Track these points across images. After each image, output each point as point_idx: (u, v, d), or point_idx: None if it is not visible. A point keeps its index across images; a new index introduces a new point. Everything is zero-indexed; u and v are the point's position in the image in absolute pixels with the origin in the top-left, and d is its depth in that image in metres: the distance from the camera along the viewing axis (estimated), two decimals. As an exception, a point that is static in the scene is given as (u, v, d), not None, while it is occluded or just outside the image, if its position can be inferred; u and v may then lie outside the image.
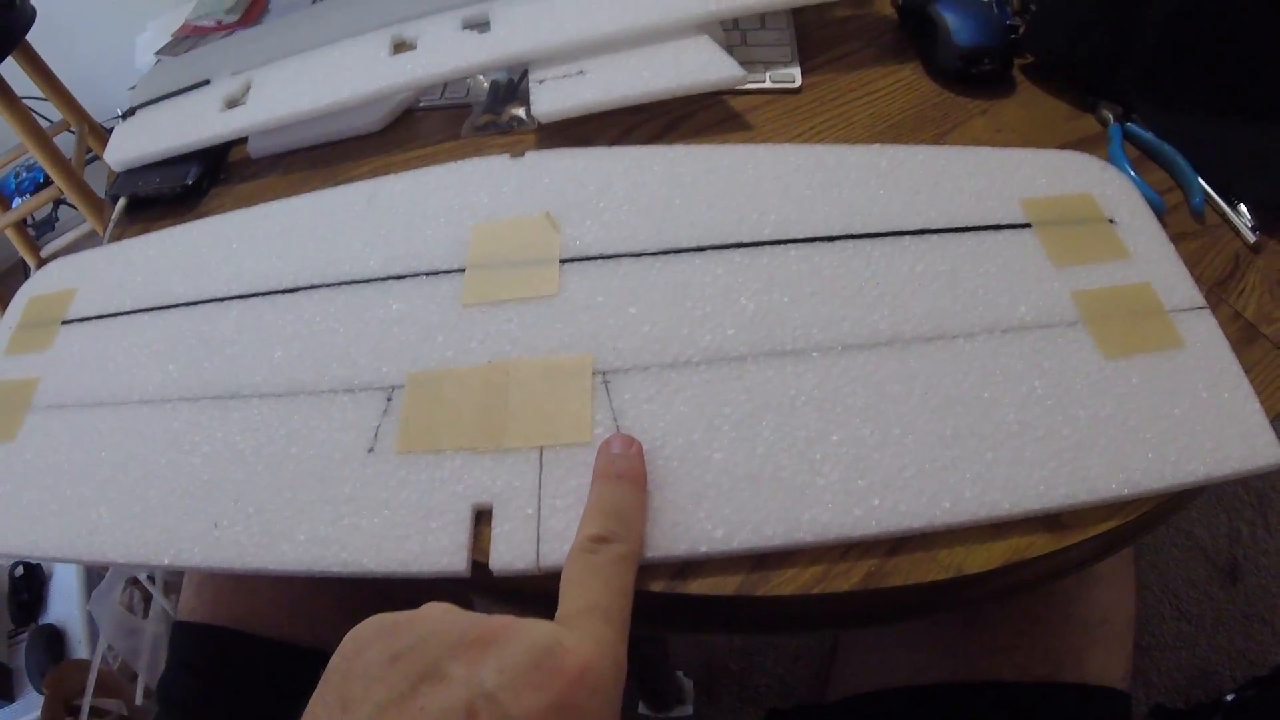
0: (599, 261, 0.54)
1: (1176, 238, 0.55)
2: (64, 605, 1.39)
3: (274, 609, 0.63)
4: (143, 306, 0.59)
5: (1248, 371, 0.47)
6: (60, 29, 1.70)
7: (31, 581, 1.41)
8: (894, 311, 0.49)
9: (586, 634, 0.35)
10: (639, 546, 0.41)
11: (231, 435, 0.50)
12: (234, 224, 0.63)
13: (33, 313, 0.62)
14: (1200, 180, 0.58)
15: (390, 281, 0.55)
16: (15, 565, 1.43)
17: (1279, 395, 0.48)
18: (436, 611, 0.35)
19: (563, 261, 0.54)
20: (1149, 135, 0.61)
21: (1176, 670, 1.32)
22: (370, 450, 0.47)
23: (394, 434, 0.47)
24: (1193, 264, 0.53)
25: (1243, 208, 0.57)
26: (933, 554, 0.42)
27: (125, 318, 0.59)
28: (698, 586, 0.42)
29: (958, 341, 0.48)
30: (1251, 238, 0.56)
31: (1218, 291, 0.53)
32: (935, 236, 0.53)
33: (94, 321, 0.60)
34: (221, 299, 0.57)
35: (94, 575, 1.39)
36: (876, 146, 0.59)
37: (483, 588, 0.45)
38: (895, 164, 0.58)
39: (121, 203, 0.71)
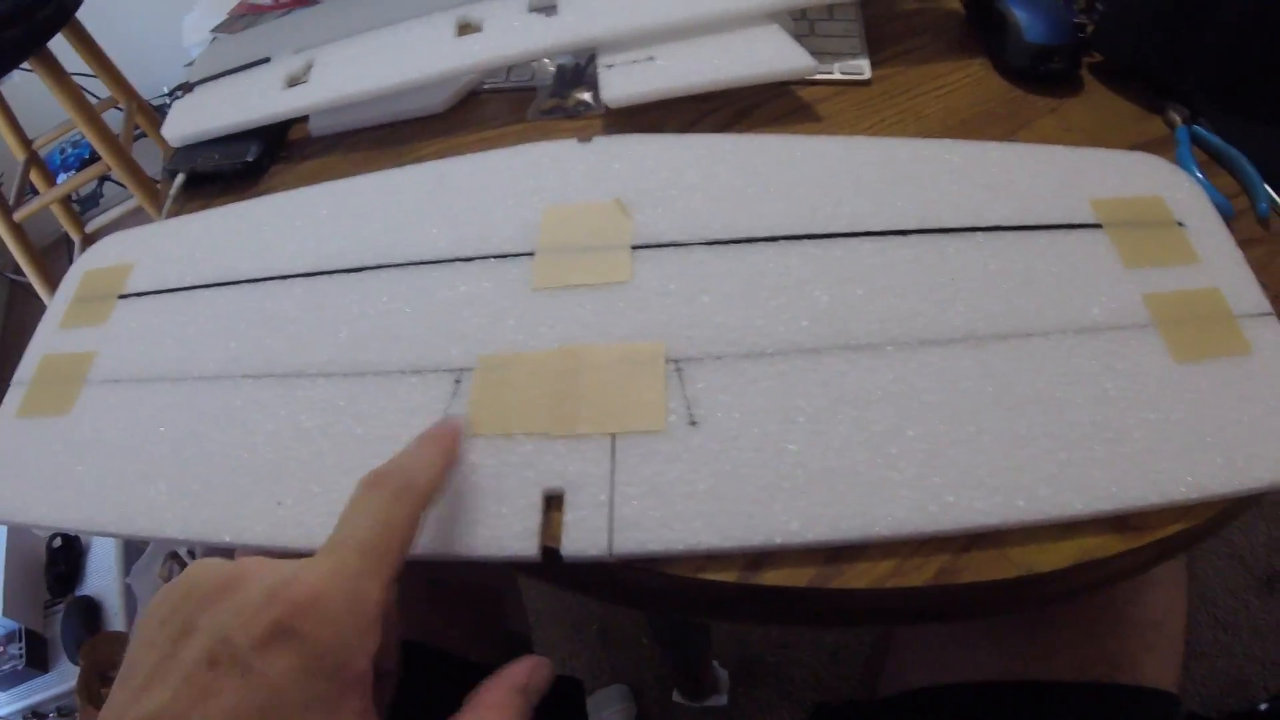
0: (671, 249, 0.53)
1: (1242, 244, 0.54)
2: (101, 577, 1.40)
3: None
4: (203, 282, 0.59)
5: None
6: (110, 7, 1.71)
7: (69, 553, 1.43)
8: (969, 308, 0.49)
9: (326, 564, 0.34)
10: (419, 485, 0.39)
11: (296, 414, 0.50)
12: (297, 202, 0.63)
13: (89, 287, 0.62)
14: (1266, 186, 0.58)
15: (458, 263, 0.55)
16: (54, 537, 1.44)
17: None
18: (196, 569, 0.35)
19: (634, 248, 0.54)
20: (1216, 139, 0.61)
21: (1211, 678, 1.32)
22: None
23: (464, 417, 0.47)
24: (1258, 270, 0.53)
25: (1306, 215, 0.56)
26: (1004, 552, 0.42)
27: (184, 293, 0.59)
28: (771, 578, 0.42)
29: (1032, 340, 0.48)
30: None
31: (1282, 300, 0.53)
32: (1009, 234, 0.53)
33: (152, 296, 0.60)
34: (285, 277, 0.57)
35: (132, 548, 1.40)
36: (948, 141, 0.59)
37: (554, 574, 0.45)
38: (967, 160, 0.57)
39: (180, 179, 0.71)
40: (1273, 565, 1.42)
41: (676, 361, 0.48)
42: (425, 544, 0.43)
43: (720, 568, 0.42)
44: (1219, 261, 0.52)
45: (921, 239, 0.53)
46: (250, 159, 0.70)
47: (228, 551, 0.46)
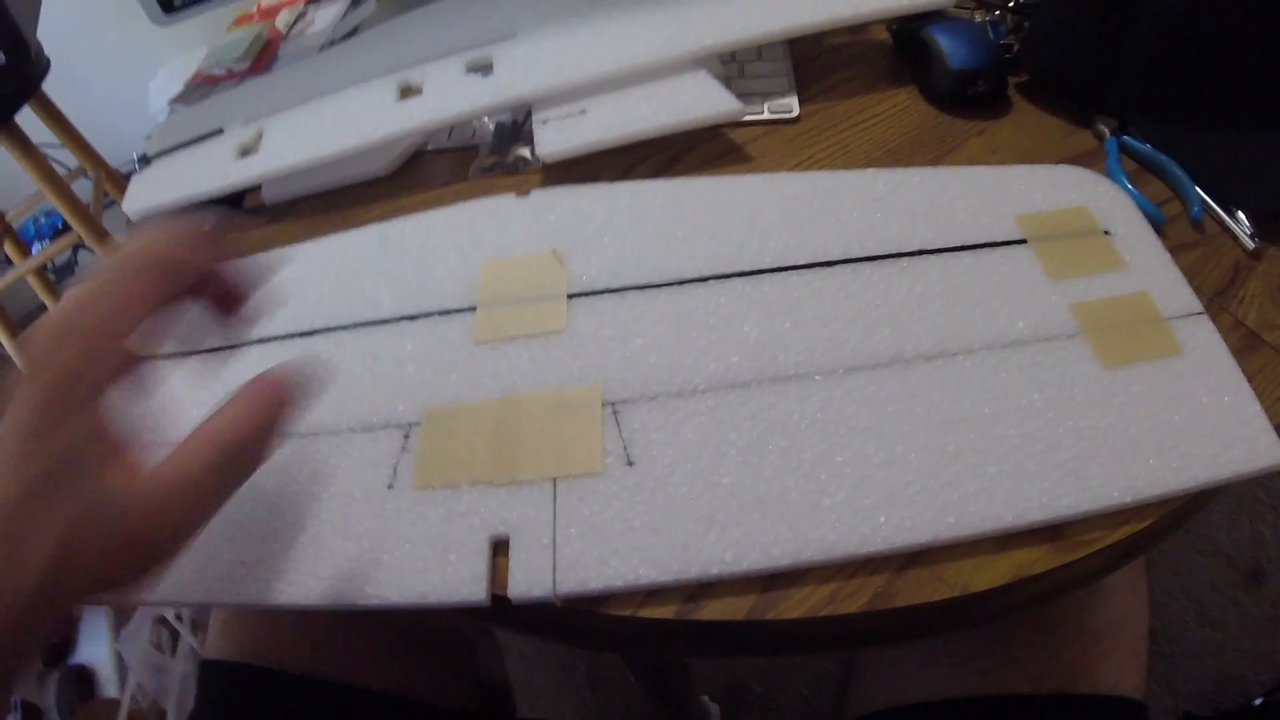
0: (605, 295, 0.55)
1: (1176, 248, 0.55)
2: (93, 646, 1.41)
3: (300, 645, 0.64)
4: (164, 353, 0.60)
5: (1250, 379, 0.48)
6: (75, 77, 1.72)
7: (60, 623, 1.43)
8: (894, 332, 0.50)
9: None
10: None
11: (255, 477, 0.51)
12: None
13: None
14: (1198, 190, 0.59)
15: (404, 322, 0.56)
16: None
17: None
18: None
19: (570, 296, 0.55)
20: (1146, 147, 0.62)
21: (1203, 677, 1.32)
22: (390, 486, 0.48)
23: (412, 470, 0.48)
24: (1193, 274, 0.54)
25: (1241, 216, 0.58)
26: (937, 572, 0.43)
27: (148, 363, 0.60)
28: (709, 611, 0.43)
29: (958, 359, 0.49)
30: (1251, 245, 0.56)
31: (1219, 301, 0.54)
32: (933, 257, 0.54)
33: None
34: (240, 345, 0.59)
35: (122, 615, 1.41)
36: (872, 171, 0.61)
37: (504, 618, 0.46)
38: (891, 188, 0.59)
39: None
40: (1257, 560, 1.42)
41: (613, 404, 0.49)
42: (378, 595, 0.44)
43: (659, 604, 0.43)
44: (1147, 266, 0.53)
45: (846, 268, 0.54)
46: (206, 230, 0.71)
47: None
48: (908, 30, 0.72)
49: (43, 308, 2.01)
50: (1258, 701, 1.23)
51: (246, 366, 0.56)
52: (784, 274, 0.54)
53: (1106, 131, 0.65)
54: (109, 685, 1.36)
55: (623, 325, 0.53)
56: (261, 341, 0.58)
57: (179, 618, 1.32)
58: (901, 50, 0.75)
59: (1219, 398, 0.47)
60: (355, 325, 0.57)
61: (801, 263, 0.55)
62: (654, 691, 1.19)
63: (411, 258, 0.61)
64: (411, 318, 0.57)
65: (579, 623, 0.45)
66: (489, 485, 0.47)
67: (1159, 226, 0.57)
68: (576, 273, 0.57)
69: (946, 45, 0.68)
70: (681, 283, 0.55)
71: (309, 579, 0.46)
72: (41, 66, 1.51)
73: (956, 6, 0.72)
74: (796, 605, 0.42)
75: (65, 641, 1.42)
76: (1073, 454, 0.45)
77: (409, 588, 0.44)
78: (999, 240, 0.55)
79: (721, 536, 0.43)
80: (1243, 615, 1.37)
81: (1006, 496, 0.43)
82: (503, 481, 0.47)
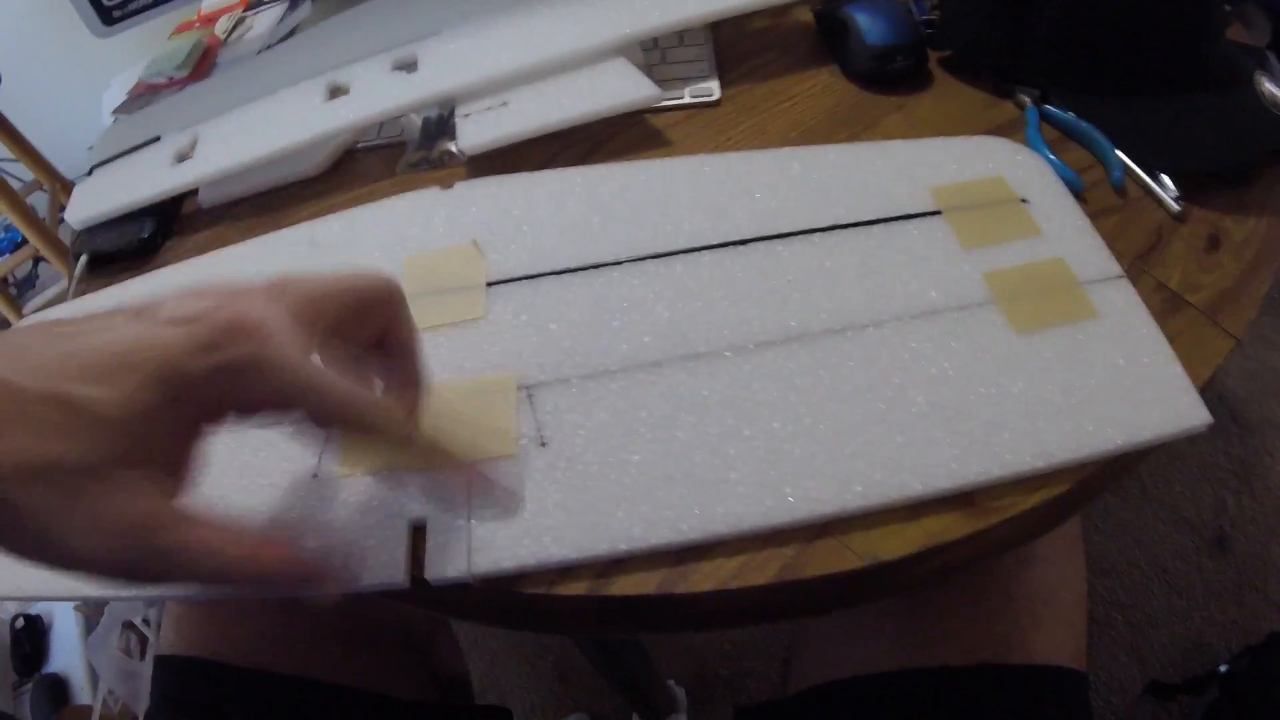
0: (522, 282, 0.56)
1: (1098, 214, 0.56)
2: (65, 654, 1.42)
3: (250, 638, 0.64)
4: None
5: (1173, 340, 0.48)
6: (27, 92, 1.73)
7: (32, 633, 1.44)
8: (804, 307, 0.51)
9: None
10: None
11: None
12: (185, 274, 0.65)
13: None
14: (1120, 154, 0.60)
15: None
16: (16, 618, 1.45)
17: (1206, 362, 0.49)
18: None
19: (489, 285, 0.56)
20: (1068, 116, 0.63)
21: (1171, 645, 1.33)
22: (314, 475, 0.49)
23: (336, 459, 0.49)
24: (1115, 238, 0.55)
25: (1165, 179, 0.58)
26: (846, 542, 0.43)
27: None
28: (620, 587, 0.43)
29: (867, 331, 0.50)
30: (1175, 208, 0.57)
31: (1140, 264, 0.54)
32: (845, 231, 0.55)
33: None
34: None
35: (92, 622, 1.41)
36: (788, 150, 0.61)
37: (425, 599, 0.46)
38: (806, 166, 0.60)
39: (83, 260, 0.73)
40: (1220, 526, 1.44)
41: (528, 388, 0.50)
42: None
43: (572, 581, 0.44)
44: (1064, 232, 0.54)
45: (758, 246, 0.55)
46: (145, 236, 0.72)
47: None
48: (829, 10, 0.73)
49: (5, 321, 2.01)
50: (1223, 668, 1.24)
51: None
52: (696, 254, 0.55)
53: (1028, 101, 0.65)
54: (82, 693, 1.36)
55: (539, 311, 0.54)
56: None
57: (146, 621, 1.32)
58: (823, 31, 0.76)
59: (1137, 360, 0.47)
60: None
61: (714, 242, 0.56)
62: (617, 679, 1.20)
63: (338, 255, 0.61)
64: None
65: (496, 602, 0.45)
66: (408, 471, 0.47)
67: (1079, 193, 0.58)
68: (495, 261, 0.57)
69: (865, 23, 0.69)
70: (596, 267, 0.56)
71: None
72: None
73: (880, -15, 0.73)
74: (705, 578, 0.43)
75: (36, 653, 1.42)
76: (983, 421, 0.45)
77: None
78: (913, 213, 0.56)
79: (630, 513, 0.44)
80: (1208, 582, 1.39)
81: (914, 465, 0.44)
82: (421, 467, 0.47)
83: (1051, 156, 0.60)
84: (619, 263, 0.56)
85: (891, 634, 0.60)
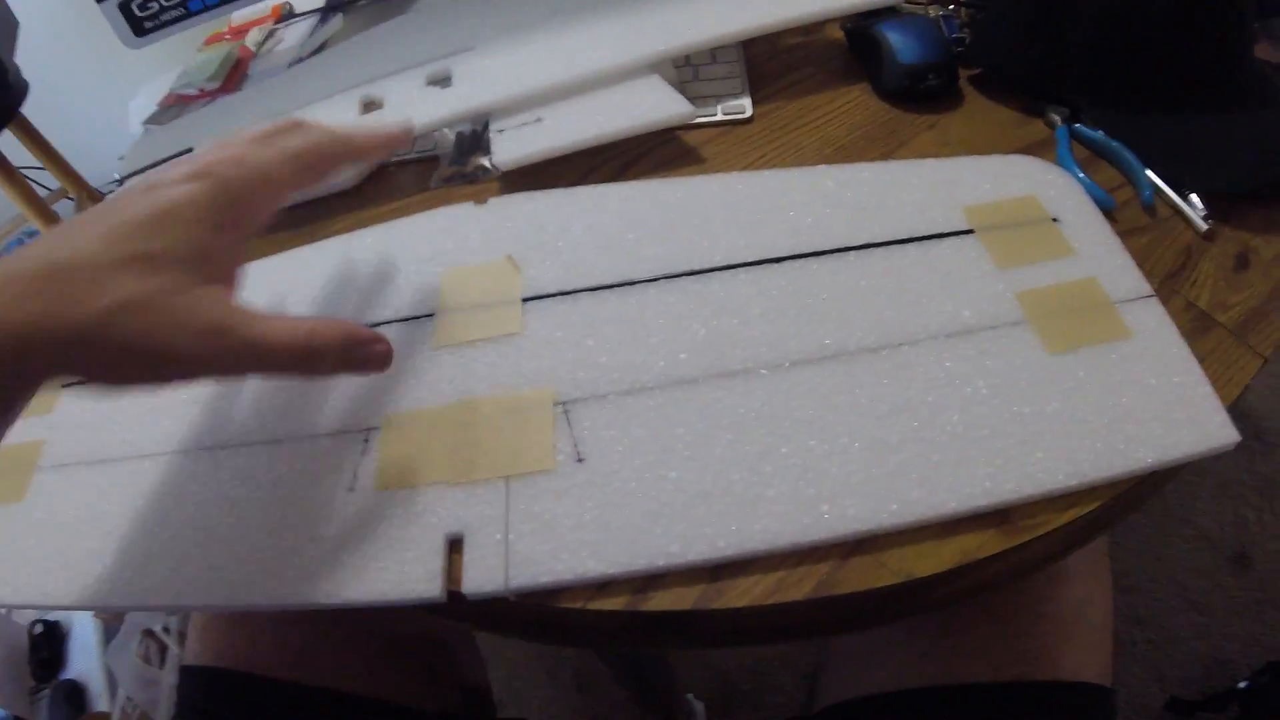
0: (558, 298, 0.56)
1: (1128, 233, 0.56)
2: (84, 660, 1.42)
3: (276, 650, 0.65)
4: None
5: (1202, 360, 0.48)
6: (53, 99, 1.74)
7: (51, 639, 1.45)
8: (840, 326, 0.52)
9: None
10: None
11: (223, 483, 0.52)
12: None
13: None
14: (1149, 174, 0.60)
15: None
16: (35, 623, 1.46)
17: (1235, 381, 0.49)
18: None
19: (525, 300, 0.56)
20: (1098, 134, 0.63)
21: (1191, 662, 1.33)
22: (350, 489, 0.49)
23: (372, 473, 0.50)
24: (1144, 257, 0.55)
25: (1194, 198, 0.58)
26: (881, 559, 0.44)
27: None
28: (657, 602, 0.44)
29: (902, 349, 0.50)
30: (1204, 227, 0.57)
31: (1170, 283, 0.55)
32: (879, 250, 0.56)
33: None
34: None
35: (111, 629, 1.42)
36: (822, 168, 0.62)
37: (462, 613, 0.46)
38: (840, 184, 0.60)
39: None
40: (1241, 543, 1.43)
41: (564, 404, 0.50)
42: (339, 595, 0.45)
43: (609, 596, 0.44)
44: (1096, 252, 0.54)
45: (793, 264, 0.55)
46: None
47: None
48: (860, 28, 0.73)
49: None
50: (1243, 684, 1.24)
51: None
52: (732, 272, 0.56)
53: (1058, 120, 0.66)
54: (99, 699, 1.36)
55: (575, 327, 0.54)
56: None
57: (166, 629, 1.33)
58: (854, 48, 0.76)
59: (1168, 379, 0.47)
60: None
61: (750, 260, 0.56)
62: (637, 691, 1.20)
63: (374, 269, 0.62)
64: (375, 325, 0.58)
65: (532, 616, 0.46)
66: (445, 485, 0.48)
67: (1110, 212, 0.58)
68: (532, 277, 0.58)
69: (896, 41, 0.69)
70: (632, 283, 0.56)
71: (273, 581, 0.47)
72: (20, 90, 1.53)
73: (910, 2, 0.74)
74: (742, 594, 0.43)
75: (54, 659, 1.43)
76: (1017, 439, 0.46)
77: (369, 587, 0.45)
78: (946, 231, 0.56)
79: (668, 530, 0.44)
80: (1228, 599, 1.38)
81: (949, 483, 0.44)
82: (458, 481, 0.48)
83: (1082, 175, 0.60)
84: (655, 280, 0.56)
85: (919, 651, 0.60)
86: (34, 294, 0.38)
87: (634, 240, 0.59)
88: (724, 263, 0.56)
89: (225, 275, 0.46)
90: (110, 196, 0.46)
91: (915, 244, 0.56)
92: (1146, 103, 0.64)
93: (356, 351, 0.46)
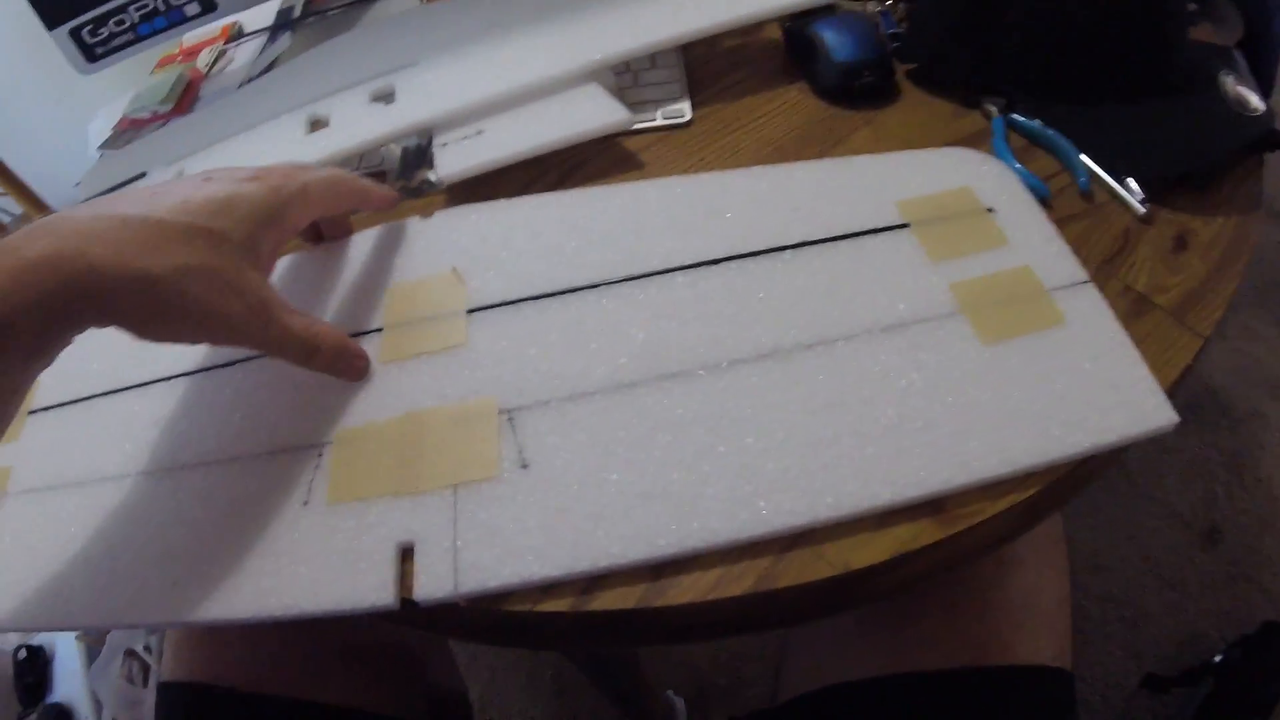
0: (502, 309, 0.57)
1: (1065, 220, 0.57)
2: (69, 683, 1.41)
3: (248, 663, 0.65)
4: (98, 392, 0.63)
5: (1141, 342, 0.49)
6: (14, 125, 1.73)
7: (35, 663, 1.44)
8: (775, 324, 0.53)
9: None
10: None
11: (183, 504, 0.53)
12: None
13: None
14: (1085, 160, 0.61)
15: None
16: (18, 649, 1.45)
17: (1174, 362, 0.50)
18: None
19: (470, 312, 0.57)
20: (1035, 124, 0.64)
21: (1166, 639, 1.34)
22: (305, 503, 0.50)
23: (325, 488, 0.51)
24: (1082, 243, 0.56)
25: (1131, 183, 0.59)
26: (819, 551, 0.44)
27: (85, 403, 0.62)
28: (601, 602, 0.45)
29: (837, 345, 0.51)
30: (1141, 211, 0.58)
31: (1108, 268, 0.55)
32: (814, 247, 0.57)
33: (56, 409, 0.63)
34: (169, 378, 0.61)
35: (94, 651, 1.41)
36: (757, 169, 0.63)
37: (414, 620, 0.47)
38: (774, 185, 0.61)
39: None
40: (1212, 519, 1.45)
41: (509, 412, 0.51)
42: (292, 605, 0.46)
43: (555, 598, 0.45)
44: (1030, 240, 0.55)
45: (729, 266, 0.56)
46: None
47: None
48: (797, 27, 0.74)
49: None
50: (1218, 658, 1.25)
51: (175, 399, 0.59)
52: (669, 275, 0.57)
53: (994, 111, 0.66)
54: (86, 721, 1.37)
55: (518, 337, 0.55)
56: (187, 375, 0.61)
57: (148, 649, 1.33)
58: (791, 48, 0.77)
59: (1103, 363, 0.48)
60: (261, 356, 0.59)
61: (686, 263, 0.57)
62: (611, 692, 1.21)
63: (321, 285, 0.63)
64: None
65: (482, 620, 0.47)
66: (395, 496, 0.49)
67: (1045, 200, 0.59)
68: (476, 289, 0.59)
69: (831, 40, 0.70)
70: (573, 290, 0.57)
71: (233, 595, 0.48)
72: None
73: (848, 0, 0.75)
74: (684, 591, 0.44)
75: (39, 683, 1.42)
76: (950, 430, 0.47)
77: (325, 597, 0.46)
78: (880, 226, 0.57)
79: (610, 531, 0.45)
80: (1201, 575, 1.40)
81: (883, 475, 0.45)
82: (408, 492, 0.49)
83: (1017, 165, 0.61)
84: (595, 286, 0.57)
85: (873, 641, 0.61)
86: (114, 239, 0.43)
87: (575, 248, 0.60)
88: (661, 267, 0.57)
89: (265, 266, 0.52)
90: (159, 183, 0.51)
91: (849, 240, 0.57)
92: (1081, 91, 0.65)
93: (344, 359, 0.54)
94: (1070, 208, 0.60)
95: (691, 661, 1.42)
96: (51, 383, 0.65)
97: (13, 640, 1.48)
